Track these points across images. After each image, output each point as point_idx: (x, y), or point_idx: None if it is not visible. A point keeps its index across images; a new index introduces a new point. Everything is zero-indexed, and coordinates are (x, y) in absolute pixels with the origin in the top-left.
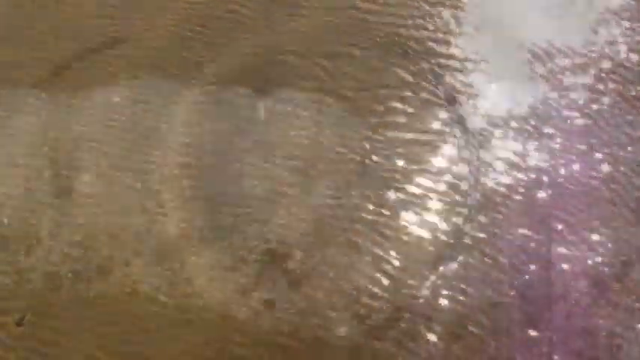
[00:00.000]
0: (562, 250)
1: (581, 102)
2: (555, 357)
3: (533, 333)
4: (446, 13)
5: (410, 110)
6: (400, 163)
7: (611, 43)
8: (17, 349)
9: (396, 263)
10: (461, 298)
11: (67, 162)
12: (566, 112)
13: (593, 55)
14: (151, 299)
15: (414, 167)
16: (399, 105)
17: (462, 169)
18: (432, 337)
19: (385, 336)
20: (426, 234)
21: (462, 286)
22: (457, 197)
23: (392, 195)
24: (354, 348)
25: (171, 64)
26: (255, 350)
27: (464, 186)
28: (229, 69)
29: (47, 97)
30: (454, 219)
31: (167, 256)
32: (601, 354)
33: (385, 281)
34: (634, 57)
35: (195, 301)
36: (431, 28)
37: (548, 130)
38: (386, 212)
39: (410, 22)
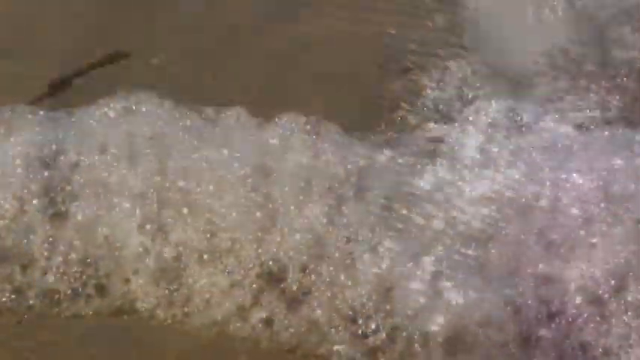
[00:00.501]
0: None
1: None
2: None
3: (529, 349)
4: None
5: None
6: None
7: None
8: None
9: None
10: (457, 316)
11: (62, 182)
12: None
13: None
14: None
15: None
16: None
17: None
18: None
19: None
20: None
21: (458, 302)
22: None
23: None
24: None
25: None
26: None
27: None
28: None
29: (45, 114)
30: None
31: (165, 276)
32: None
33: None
34: None
35: (194, 319)
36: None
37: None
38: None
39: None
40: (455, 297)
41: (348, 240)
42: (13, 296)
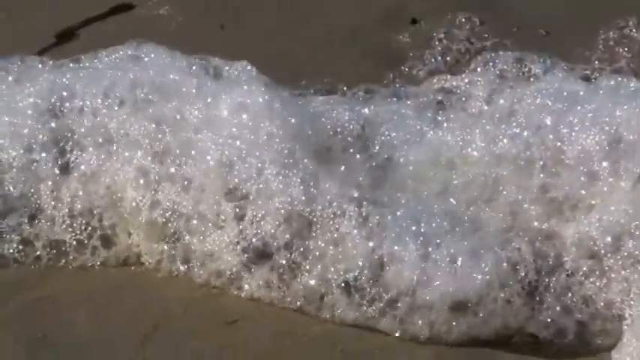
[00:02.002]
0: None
1: None
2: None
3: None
4: None
5: None
6: None
7: None
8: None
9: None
10: (453, 277)
11: (68, 133)
12: None
13: None
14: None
15: None
16: None
17: None
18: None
19: None
20: None
21: (455, 265)
22: None
23: None
24: None
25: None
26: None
27: None
28: None
29: (52, 64)
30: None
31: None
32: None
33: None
34: None
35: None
36: None
37: None
38: None
39: None
40: (455, 257)
41: (346, 197)
42: (20, 247)
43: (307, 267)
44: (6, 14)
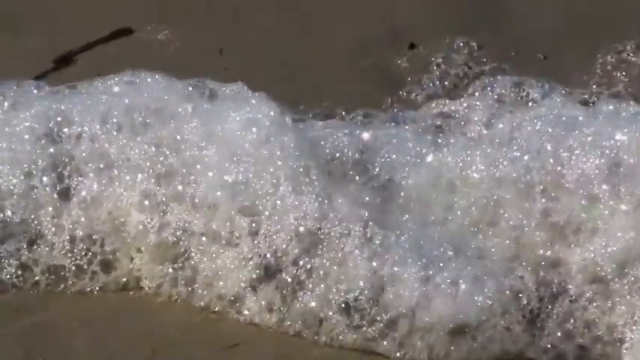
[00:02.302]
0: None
1: None
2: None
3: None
4: None
5: None
6: None
7: None
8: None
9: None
10: (455, 301)
11: (67, 158)
12: None
13: None
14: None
15: None
16: None
17: None
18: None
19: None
20: None
21: (457, 288)
22: None
23: None
24: None
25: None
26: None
27: None
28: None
29: (50, 89)
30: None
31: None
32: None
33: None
34: None
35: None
36: None
37: None
38: None
39: None
40: (455, 282)
41: (345, 221)
42: (19, 272)
43: (309, 287)
44: (7, 36)
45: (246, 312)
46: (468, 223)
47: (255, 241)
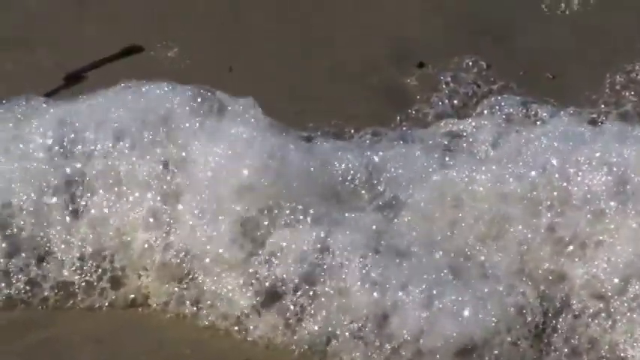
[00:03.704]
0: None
1: None
2: None
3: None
4: None
5: None
6: None
7: None
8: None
9: None
10: (458, 329)
11: (78, 175)
12: None
13: None
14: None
15: None
16: None
17: None
18: None
19: None
20: None
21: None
22: None
23: None
24: None
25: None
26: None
27: None
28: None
29: (61, 106)
30: None
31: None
32: None
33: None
34: None
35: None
36: None
37: None
38: None
39: None
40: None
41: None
42: (27, 287)
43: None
44: (18, 53)
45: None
46: (473, 239)
47: (255, 267)
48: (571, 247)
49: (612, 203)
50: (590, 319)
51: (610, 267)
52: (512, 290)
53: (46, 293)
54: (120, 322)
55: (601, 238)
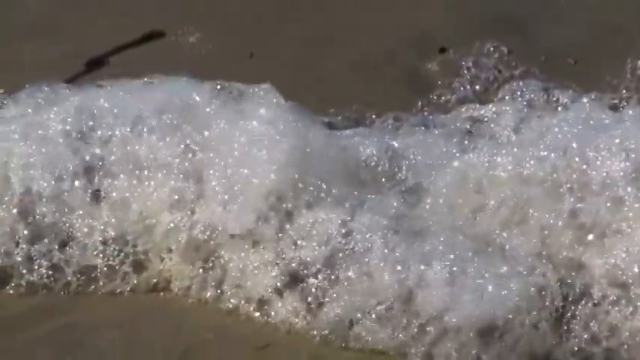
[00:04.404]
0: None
1: None
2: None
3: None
4: None
5: None
6: None
7: None
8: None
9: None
10: (479, 309)
11: (98, 160)
12: None
13: None
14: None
15: None
16: None
17: None
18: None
19: None
20: None
21: (482, 291)
22: None
23: None
24: None
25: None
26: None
27: None
28: None
29: (81, 92)
30: None
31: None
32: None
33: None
34: None
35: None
36: None
37: None
38: None
39: None
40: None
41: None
42: (50, 272)
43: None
44: (40, 39)
45: (273, 313)
46: (496, 224)
47: (280, 247)
48: (591, 237)
49: (629, 189)
50: (610, 307)
51: (629, 256)
52: (533, 271)
53: (68, 278)
54: (141, 307)
55: (620, 226)
